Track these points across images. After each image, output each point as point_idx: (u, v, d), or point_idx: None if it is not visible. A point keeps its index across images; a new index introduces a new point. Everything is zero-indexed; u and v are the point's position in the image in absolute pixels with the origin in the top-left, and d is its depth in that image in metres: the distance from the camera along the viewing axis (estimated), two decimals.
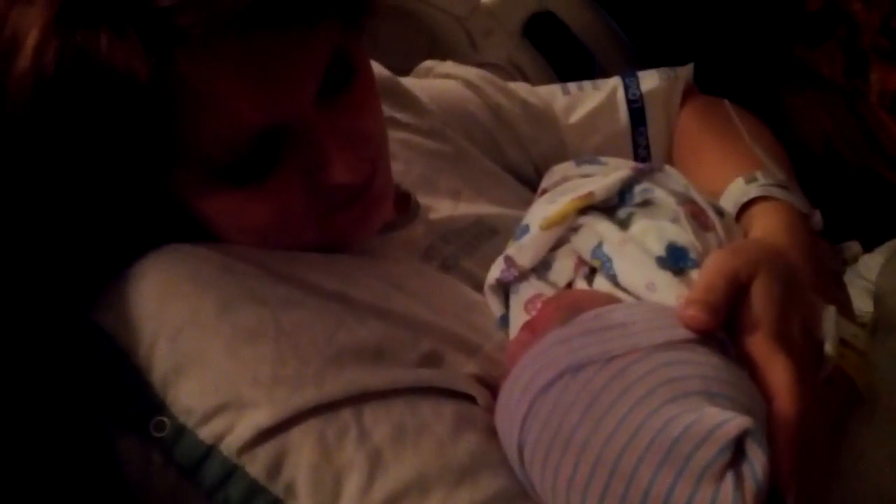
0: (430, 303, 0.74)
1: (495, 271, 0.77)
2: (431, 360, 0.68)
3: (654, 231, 0.72)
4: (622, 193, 0.76)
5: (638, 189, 0.75)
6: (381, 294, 0.72)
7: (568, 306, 0.66)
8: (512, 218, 0.83)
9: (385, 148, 0.76)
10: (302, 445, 0.61)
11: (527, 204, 0.91)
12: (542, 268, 0.76)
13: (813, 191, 0.88)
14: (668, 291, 0.67)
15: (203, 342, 0.63)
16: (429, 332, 0.70)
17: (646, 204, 0.75)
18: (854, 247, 0.91)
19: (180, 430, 0.62)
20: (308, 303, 0.67)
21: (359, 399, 0.63)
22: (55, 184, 0.63)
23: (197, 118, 0.60)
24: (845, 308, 0.81)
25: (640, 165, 0.76)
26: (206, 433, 0.62)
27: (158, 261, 0.66)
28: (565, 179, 0.89)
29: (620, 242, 0.71)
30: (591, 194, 0.75)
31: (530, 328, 0.68)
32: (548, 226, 0.75)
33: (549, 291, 0.75)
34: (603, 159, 0.92)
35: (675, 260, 0.69)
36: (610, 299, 0.68)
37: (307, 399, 0.62)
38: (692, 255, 0.70)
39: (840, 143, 1.07)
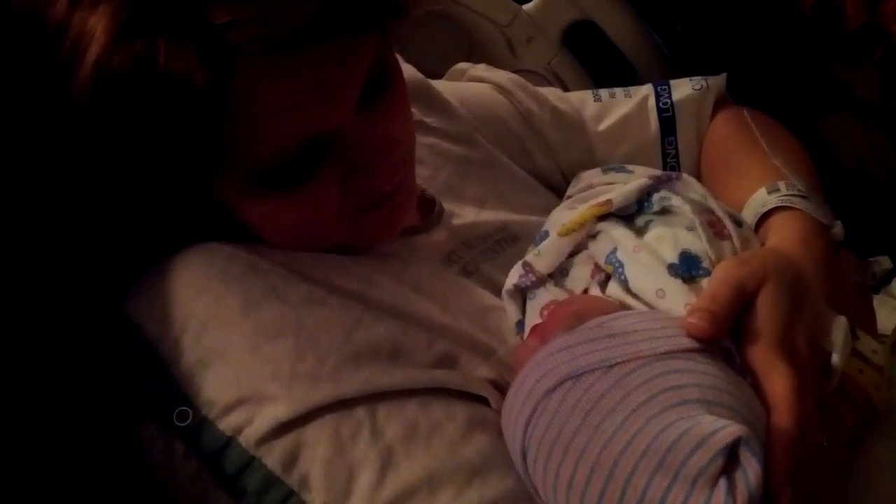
0: (447, 306, 0.76)
1: (513, 277, 0.78)
2: (446, 361, 0.70)
3: (669, 238, 0.72)
4: (641, 201, 0.77)
5: (656, 197, 0.76)
6: (400, 295, 0.73)
7: (574, 313, 0.67)
8: (535, 224, 0.84)
9: (413, 152, 0.78)
10: (317, 440, 0.63)
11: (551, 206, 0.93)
12: (559, 274, 0.78)
13: (844, 207, 0.87)
14: (677, 299, 0.67)
15: (226, 337, 0.66)
16: (444, 334, 0.72)
17: (664, 212, 0.76)
18: (884, 261, 0.90)
19: (202, 421, 0.64)
20: (329, 302, 0.69)
21: (373, 397, 0.64)
22: (104, 181, 0.66)
23: (246, 126, 0.61)
24: (867, 322, 0.80)
25: (660, 174, 0.77)
26: (226, 424, 0.64)
27: (189, 258, 0.67)
28: (590, 187, 0.90)
29: (634, 249, 0.72)
30: (608, 202, 0.76)
31: (538, 334, 0.69)
32: (566, 232, 0.76)
33: (563, 296, 0.76)
34: (629, 167, 0.93)
35: (688, 268, 0.70)
36: (618, 307, 0.69)
37: (324, 395, 0.64)
38: (705, 263, 0.70)
39: (874, 165, 1.06)
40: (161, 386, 0.66)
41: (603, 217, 0.77)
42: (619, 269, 0.72)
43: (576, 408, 0.59)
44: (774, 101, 1.08)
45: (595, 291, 0.75)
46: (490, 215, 0.87)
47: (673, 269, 0.70)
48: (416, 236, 0.83)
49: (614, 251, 0.73)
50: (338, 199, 0.69)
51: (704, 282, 0.69)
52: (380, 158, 0.68)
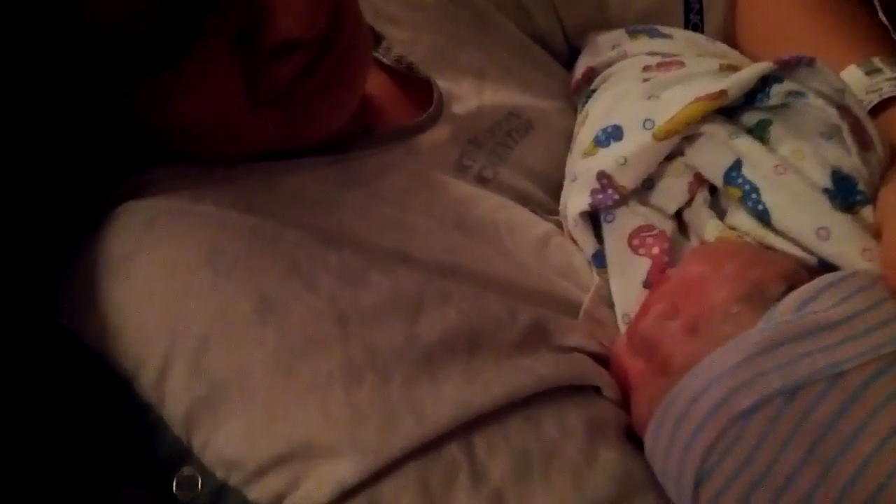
0: (498, 243, 0.55)
1: (581, 195, 0.58)
2: (535, 334, 0.51)
3: (810, 153, 0.54)
4: (753, 92, 0.57)
5: (777, 89, 0.56)
6: (445, 242, 0.53)
7: (737, 276, 0.48)
8: (549, 111, 0.68)
9: None
10: (399, 500, 0.43)
11: (563, 85, 0.72)
12: (642, 187, 0.58)
13: None
14: (848, 241, 0.50)
15: (241, 358, 0.44)
16: (518, 293, 0.52)
17: (782, 109, 0.57)
18: None
19: (220, 490, 0.43)
20: (371, 278, 0.47)
21: (467, 425, 0.45)
22: None
23: None
24: None
25: (786, 58, 0.56)
26: (259, 493, 0.43)
27: (146, 228, 0.48)
28: (622, 56, 0.68)
29: (776, 168, 0.53)
30: (723, 93, 0.56)
31: (667, 300, 0.50)
32: (665, 135, 0.56)
33: (657, 220, 0.57)
34: (664, 30, 0.71)
35: (844, 194, 0.53)
36: (794, 263, 0.51)
37: (405, 439, 0.44)
38: (861, 185, 0.53)
39: None
40: (145, 438, 0.43)
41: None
42: (753, 195, 0.53)
43: (794, 436, 0.42)
44: None
45: (702, 215, 0.56)
46: (495, 96, 0.68)
47: (832, 198, 0.52)
48: (416, 137, 0.61)
49: (737, 167, 0.55)
50: (239, 75, 0.48)
51: (866, 212, 0.52)
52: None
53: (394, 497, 0.43)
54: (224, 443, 0.43)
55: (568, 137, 0.67)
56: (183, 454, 0.43)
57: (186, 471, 0.42)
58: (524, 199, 0.61)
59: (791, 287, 0.47)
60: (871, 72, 0.63)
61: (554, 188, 0.65)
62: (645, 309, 0.52)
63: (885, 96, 0.60)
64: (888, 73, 0.62)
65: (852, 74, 0.63)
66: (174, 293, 0.45)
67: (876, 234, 0.51)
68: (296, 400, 0.43)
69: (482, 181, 0.62)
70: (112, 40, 0.44)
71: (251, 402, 0.43)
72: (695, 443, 0.44)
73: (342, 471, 0.42)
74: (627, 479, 0.48)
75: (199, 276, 0.45)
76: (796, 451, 0.42)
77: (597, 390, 0.51)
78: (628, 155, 0.57)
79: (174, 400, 0.44)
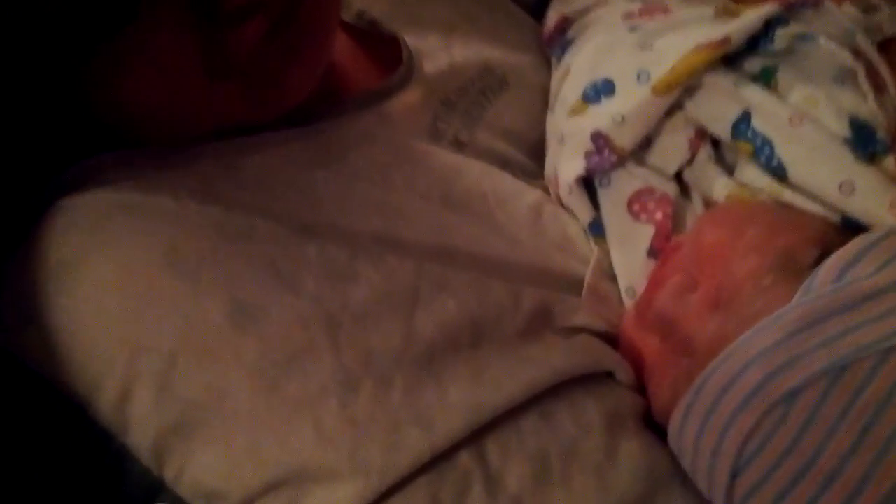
0: (490, 218, 0.50)
1: (574, 159, 0.53)
2: (540, 318, 0.46)
3: (823, 99, 0.49)
4: (756, 37, 0.52)
5: (781, 32, 0.51)
6: (435, 222, 0.47)
7: (763, 243, 0.44)
8: (523, 65, 0.63)
9: None
10: None
11: (534, 37, 0.66)
12: (638, 147, 0.53)
13: None
14: (873, 194, 0.46)
15: (217, 375, 0.38)
16: (518, 274, 0.47)
17: (789, 54, 0.52)
18: None
19: None
20: (359, 270, 0.41)
21: (478, 430, 0.40)
22: None
23: None
24: None
25: None
26: None
27: (93, 227, 0.42)
28: (600, 3, 0.63)
29: (791, 119, 0.48)
30: (727, 40, 0.51)
31: (683, 271, 0.46)
32: (665, 88, 0.51)
33: (657, 181, 0.52)
34: None
35: (864, 143, 0.48)
36: (813, 222, 0.46)
37: (413, 454, 0.38)
38: (880, 133, 0.49)
39: None
40: (110, 468, 0.38)
41: None
42: (766, 149, 0.49)
43: (843, 420, 0.38)
44: None
45: (710, 173, 0.51)
46: (465, 51, 0.61)
47: (852, 148, 0.47)
48: (387, 102, 0.54)
49: (745, 119, 0.50)
50: (192, 42, 0.41)
51: (887, 162, 0.48)
52: None
53: None
54: (202, 471, 0.37)
55: (544, 94, 0.62)
56: (154, 486, 0.37)
57: None
58: (503, 163, 0.56)
59: (825, 252, 0.42)
60: (869, 9, 0.58)
61: (533, 150, 0.60)
62: (657, 282, 0.47)
63: (888, 36, 0.56)
64: (886, 10, 0.58)
65: (848, 13, 0.58)
66: (131, 304, 0.39)
67: None
68: (284, 419, 0.38)
69: (458, 146, 0.56)
70: (52, 6, 0.37)
71: (231, 424, 0.37)
72: (730, 432, 0.40)
73: (342, 495, 0.37)
74: (653, 473, 0.43)
75: (158, 282, 0.39)
76: (846, 436, 0.38)
77: (608, 374, 0.46)
78: (626, 112, 0.52)
79: (140, 426, 0.38)
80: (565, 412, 0.42)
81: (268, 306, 0.39)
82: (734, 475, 0.40)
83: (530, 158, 0.59)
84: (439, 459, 0.39)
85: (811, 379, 0.38)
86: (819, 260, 0.42)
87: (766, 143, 0.49)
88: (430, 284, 0.42)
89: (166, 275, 0.39)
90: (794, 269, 0.42)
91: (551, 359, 0.43)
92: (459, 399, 0.40)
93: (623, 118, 0.52)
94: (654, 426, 0.46)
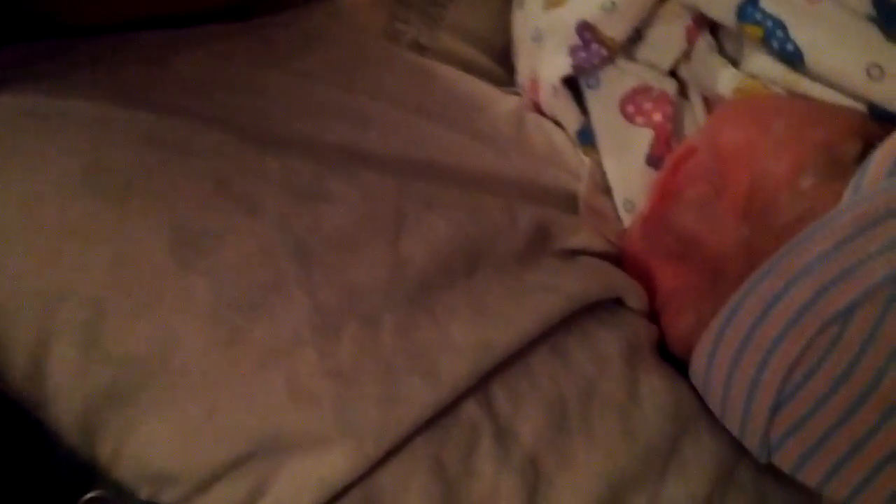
0: (471, 126, 0.44)
1: (557, 56, 0.46)
2: (538, 241, 0.39)
3: None
4: None
5: None
6: (410, 131, 0.41)
7: (795, 139, 0.37)
8: None
9: None
10: (407, 488, 0.31)
11: None
12: (628, 42, 0.46)
13: None
14: None
15: (159, 325, 0.30)
16: (510, 189, 0.41)
17: None
18: None
19: None
20: (330, 188, 0.34)
21: (486, 377, 0.34)
22: None
23: None
24: None
25: None
26: None
27: None
28: None
29: None
30: None
31: (706, 182, 0.39)
32: None
33: (653, 79, 0.45)
34: None
35: (888, 19, 0.42)
36: (846, 112, 0.40)
37: (415, 410, 0.32)
38: None
39: None
40: (29, 452, 0.30)
41: None
42: (778, 32, 0.42)
43: None
44: None
45: (713, 65, 0.45)
46: None
47: (877, 25, 0.41)
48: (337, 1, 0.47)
49: (753, 1, 0.43)
50: None
51: None
52: None
53: (400, 486, 0.31)
54: (147, 448, 0.30)
55: None
56: (86, 470, 0.30)
57: (95, 493, 0.29)
58: (469, 69, 0.49)
59: (868, 144, 0.36)
60: None
61: (499, 55, 0.53)
62: (669, 194, 0.40)
63: None
64: None
65: None
66: (42, 239, 0.31)
67: None
68: (249, 375, 0.30)
69: (420, 49, 0.50)
70: None
71: (182, 385, 0.30)
72: (772, 358, 0.34)
73: (329, 466, 0.30)
74: (679, 411, 0.38)
75: (77, 208, 0.31)
76: None
77: (616, 301, 0.40)
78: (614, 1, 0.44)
79: (63, 394, 0.30)
80: (579, 347, 0.36)
81: (220, 233, 0.32)
82: (776, 409, 0.35)
83: (497, 64, 0.52)
84: (443, 416, 0.32)
85: (870, 291, 0.33)
86: (863, 155, 0.36)
87: (779, 25, 0.42)
88: (414, 203, 0.36)
89: (86, 198, 0.31)
90: (837, 166, 0.36)
91: (562, 284, 0.36)
92: (463, 338, 0.33)
93: (614, 4, 0.45)
94: (669, 357, 0.40)
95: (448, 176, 0.38)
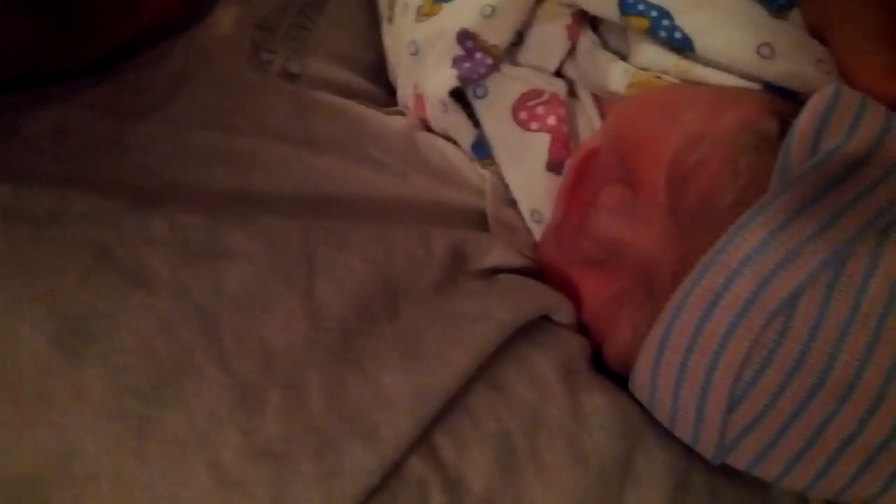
0: (365, 155, 0.41)
1: (441, 69, 0.43)
2: (454, 266, 0.37)
3: None
4: None
5: None
6: (305, 167, 0.37)
7: (711, 126, 0.36)
8: None
9: None
10: None
11: None
12: (511, 46, 0.44)
13: None
14: (797, 54, 0.39)
15: (54, 430, 0.27)
16: (418, 215, 0.38)
17: None
18: None
19: None
20: (229, 241, 0.31)
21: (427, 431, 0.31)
22: None
23: None
24: None
25: None
26: None
27: None
28: None
29: None
30: None
31: (621, 183, 0.37)
32: None
33: (542, 82, 0.44)
34: None
35: None
36: (751, 93, 0.39)
37: (358, 478, 0.29)
38: None
39: None
40: None
41: None
42: (664, 21, 0.41)
43: (855, 316, 0.31)
44: None
45: (601, 61, 0.43)
46: None
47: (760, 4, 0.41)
48: (193, 30, 0.43)
49: None
50: None
51: (793, 15, 0.42)
52: None
53: None
54: None
55: (367, 5, 0.52)
56: None
57: None
58: (347, 93, 0.46)
59: (784, 122, 0.35)
60: None
61: (373, 73, 0.50)
62: (582, 202, 0.38)
63: None
64: None
65: None
66: None
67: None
68: (165, 470, 0.26)
69: (290, 78, 0.46)
70: None
71: (90, 497, 0.26)
72: (721, 359, 0.33)
73: None
74: (626, 426, 0.36)
75: None
76: (860, 335, 0.31)
77: (544, 318, 0.37)
78: (494, 2, 0.42)
79: None
80: (516, 375, 0.34)
81: (109, 313, 0.27)
82: (730, 410, 0.33)
83: (373, 84, 0.49)
84: (388, 478, 0.29)
85: (812, 276, 0.31)
86: (782, 133, 0.35)
87: (664, 13, 0.41)
88: (323, 245, 0.32)
89: None
90: (764, 140, 0.34)
91: (491, 311, 0.34)
92: (398, 390, 0.30)
93: (493, 9, 0.42)
94: (602, 369, 0.38)
95: (352, 211, 0.35)
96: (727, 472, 0.37)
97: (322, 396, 0.29)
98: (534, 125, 0.43)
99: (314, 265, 0.31)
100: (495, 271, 0.38)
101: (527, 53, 0.44)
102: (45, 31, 0.30)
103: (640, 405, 0.37)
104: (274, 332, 0.29)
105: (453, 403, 0.32)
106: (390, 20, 0.49)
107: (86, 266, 0.28)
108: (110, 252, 0.29)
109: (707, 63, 0.41)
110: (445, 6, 0.45)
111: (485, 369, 0.33)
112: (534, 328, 0.36)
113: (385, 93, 0.50)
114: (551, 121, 0.42)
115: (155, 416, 0.27)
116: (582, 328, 0.39)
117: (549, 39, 0.44)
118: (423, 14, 0.46)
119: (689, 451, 0.36)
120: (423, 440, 0.30)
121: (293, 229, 0.32)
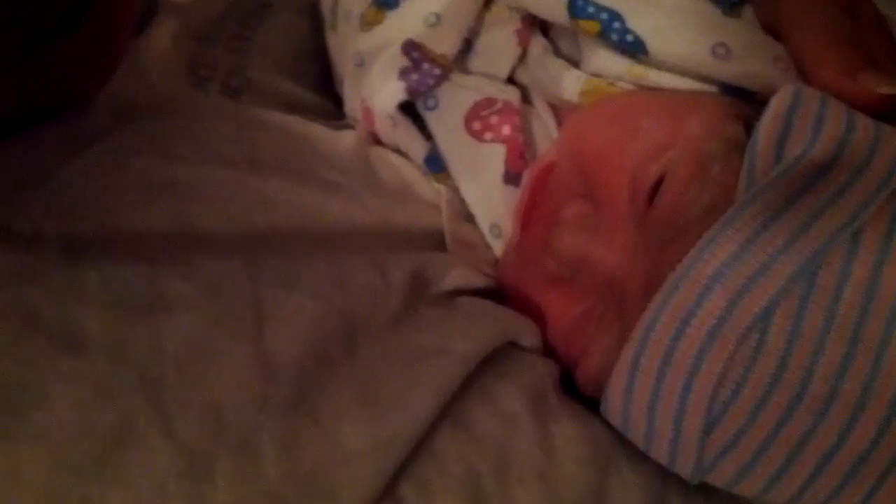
0: (314, 176, 0.39)
1: (388, 81, 0.41)
2: (414, 293, 0.35)
3: None
4: None
5: None
6: (251, 196, 0.35)
7: (673, 133, 0.35)
8: None
9: None
10: None
11: None
12: (460, 54, 0.42)
13: None
14: (754, 53, 0.38)
15: None
16: (372, 241, 0.36)
17: None
18: None
19: None
20: (170, 292, 0.29)
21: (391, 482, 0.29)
22: None
23: None
24: None
25: None
26: None
27: None
28: None
29: None
30: None
31: (583, 197, 0.36)
32: None
33: (494, 90, 0.42)
34: None
35: None
36: (710, 97, 0.37)
37: None
38: None
39: None
40: None
41: None
42: (615, 24, 0.40)
43: (831, 326, 0.30)
44: None
45: (552, 68, 0.42)
46: None
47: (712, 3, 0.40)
48: (131, 47, 0.40)
49: None
50: None
51: (747, 13, 0.40)
52: None
53: None
54: None
55: (311, 11, 0.50)
56: None
57: None
58: (291, 107, 0.44)
59: (748, 125, 0.34)
60: None
61: (317, 84, 0.48)
62: (543, 219, 0.37)
63: None
64: None
65: None
66: None
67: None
68: None
69: (232, 94, 0.44)
70: None
71: None
72: (696, 380, 0.31)
73: None
74: (597, 454, 0.34)
75: None
76: (836, 346, 0.30)
77: (509, 344, 0.36)
78: (439, 10, 0.41)
79: None
80: (482, 410, 0.32)
81: (40, 383, 0.25)
82: (707, 431, 0.32)
83: (319, 96, 0.47)
84: None
85: (785, 289, 0.30)
86: (746, 136, 0.34)
87: (615, 16, 0.40)
88: (271, 286, 0.30)
89: None
90: (731, 144, 0.33)
91: (453, 344, 0.32)
92: (357, 443, 0.28)
93: (438, 17, 0.41)
94: (571, 389, 0.37)
95: (302, 241, 0.33)
96: (704, 489, 0.36)
97: (277, 458, 0.27)
98: (488, 136, 0.41)
99: (263, 310, 0.29)
100: (457, 293, 0.37)
101: (477, 60, 0.43)
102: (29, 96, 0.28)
103: (609, 425, 0.36)
104: (222, 391, 0.27)
105: (418, 447, 0.30)
106: (333, 27, 0.48)
107: (12, 331, 0.26)
108: (38, 313, 0.26)
109: (661, 66, 0.40)
110: (389, 14, 0.43)
111: (449, 406, 0.31)
112: (498, 356, 0.34)
113: (333, 105, 0.48)
114: (506, 130, 0.41)
115: (97, 493, 0.25)
116: (549, 350, 0.38)
117: (498, 46, 0.43)
118: (368, 23, 0.44)
119: (663, 471, 0.35)
120: (388, 494, 0.29)
121: (238, 271, 0.30)
